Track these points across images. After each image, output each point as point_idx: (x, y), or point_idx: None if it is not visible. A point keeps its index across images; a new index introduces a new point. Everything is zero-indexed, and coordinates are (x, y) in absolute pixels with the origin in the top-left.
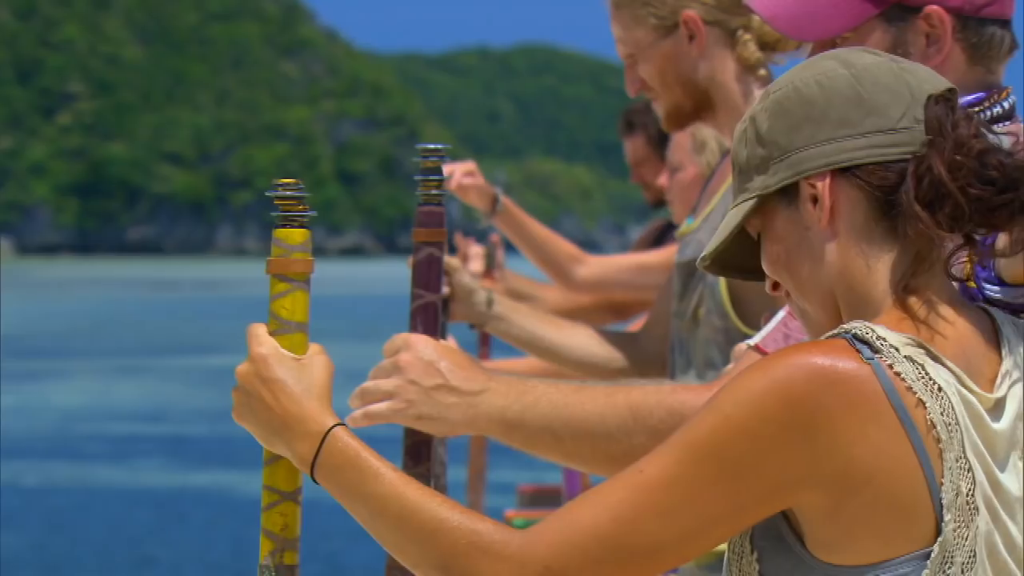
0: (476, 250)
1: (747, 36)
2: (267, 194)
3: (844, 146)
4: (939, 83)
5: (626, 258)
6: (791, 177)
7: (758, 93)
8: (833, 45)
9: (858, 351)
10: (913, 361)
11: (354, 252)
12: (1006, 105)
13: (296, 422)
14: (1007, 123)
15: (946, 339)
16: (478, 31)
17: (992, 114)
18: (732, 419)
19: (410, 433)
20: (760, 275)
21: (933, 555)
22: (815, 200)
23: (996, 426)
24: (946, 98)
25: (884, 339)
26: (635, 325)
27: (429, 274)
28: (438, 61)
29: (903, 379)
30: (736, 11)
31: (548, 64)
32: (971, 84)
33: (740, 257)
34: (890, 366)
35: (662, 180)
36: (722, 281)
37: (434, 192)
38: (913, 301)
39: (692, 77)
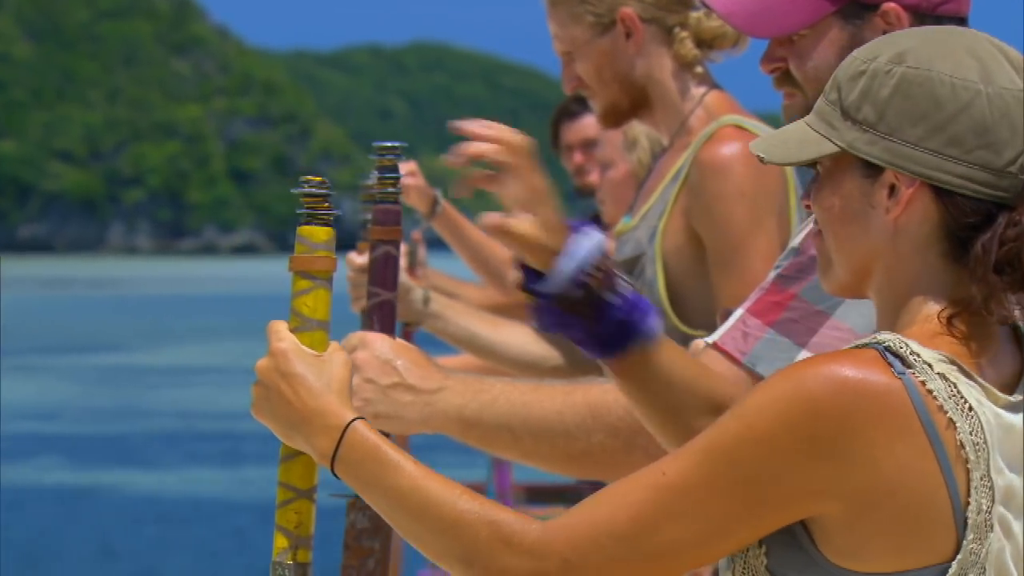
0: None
1: (684, 34)
2: (293, 191)
3: (946, 166)
4: None
5: None
6: (884, 162)
7: (695, 91)
8: (790, 42)
9: (890, 365)
10: (946, 379)
11: (246, 250)
12: None
13: (316, 416)
14: None
15: (976, 353)
16: (370, 29)
17: None
18: (755, 428)
19: None
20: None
21: (951, 572)
22: (892, 190)
23: (1020, 425)
24: None
25: (918, 355)
26: None
27: (385, 272)
28: (330, 59)
29: (935, 397)
30: (673, 9)
31: (440, 62)
32: None
33: None
34: (922, 383)
35: (593, 177)
36: (660, 280)
37: (390, 190)
38: (949, 318)
39: (629, 75)
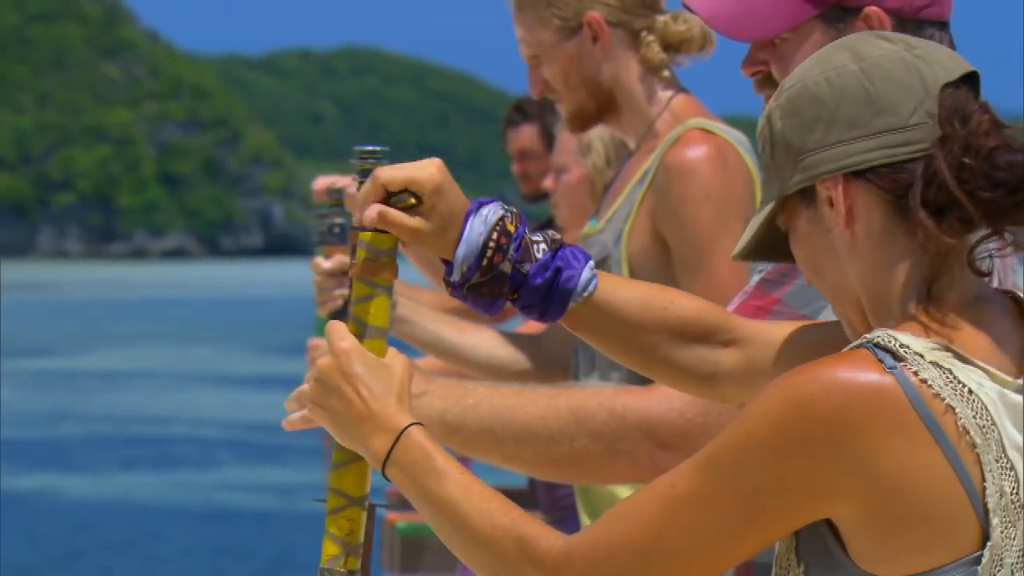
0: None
1: (651, 37)
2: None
3: (854, 148)
4: (956, 68)
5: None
6: (806, 181)
7: (661, 95)
8: (772, 46)
9: (880, 361)
10: (939, 367)
11: (177, 254)
12: None
13: (374, 418)
14: None
15: (974, 336)
16: (300, 33)
17: None
18: (753, 436)
19: None
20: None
21: (984, 561)
22: (831, 202)
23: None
24: (961, 86)
25: (908, 346)
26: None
27: None
28: (260, 63)
29: (930, 386)
30: (640, 12)
31: (370, 66)
32: None
33: (774, 244)
34: (915, 373)
35: (547, 182)
36: None
37: None
38: (938, 302)
39: (596, 78)
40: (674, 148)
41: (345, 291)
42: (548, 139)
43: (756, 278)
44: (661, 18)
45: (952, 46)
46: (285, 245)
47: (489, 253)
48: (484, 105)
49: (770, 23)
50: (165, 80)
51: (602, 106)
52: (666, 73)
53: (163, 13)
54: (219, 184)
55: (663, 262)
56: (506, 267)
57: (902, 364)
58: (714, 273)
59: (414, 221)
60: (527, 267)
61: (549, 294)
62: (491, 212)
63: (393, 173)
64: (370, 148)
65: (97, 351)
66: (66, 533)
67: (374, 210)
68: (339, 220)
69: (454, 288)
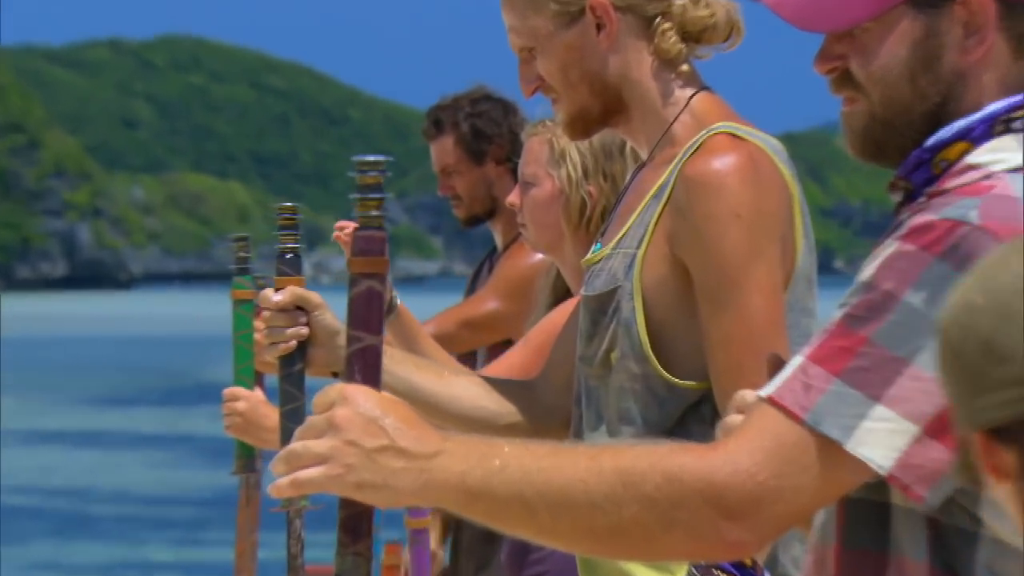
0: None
1: (667, 25)
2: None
3: None
4: None
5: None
6: None
7: (680, 93)
8: (851, 37)
9: None
10: None
11: None
12: None
13: None
14: None
15: None
16: (110, 21)
17: None
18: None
19: (346, 504)
20: None
21: None
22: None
23: None
24: None
25: None
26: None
27: (369, 312)
28: (62, 55)
29: None
30: None
31: (194, 59)
32: (1017, 82)
33: None
34: None
35: (512, 198)
36: (640, 318)
37: (374, 214)
38: None
39: (600, 74)
40: (696, 157)
41: (302, 329)
42: (468, 147)
43: (839, 313)
44: (679, 2)
45: None
46: (93, 274)
47: None
48: (332, 106)
49: (848, 10)
50: None
51: (608, 107)
52: (685, 67)
53: None
54: (13, 201)
55: (683, 294)
56: None
57: None
58: (745, 307)
59: None
60: None
61: None
62: None
63: None
64: (371, 159)
65: None
66: None
67: None
68: (292, 245)
69: None
